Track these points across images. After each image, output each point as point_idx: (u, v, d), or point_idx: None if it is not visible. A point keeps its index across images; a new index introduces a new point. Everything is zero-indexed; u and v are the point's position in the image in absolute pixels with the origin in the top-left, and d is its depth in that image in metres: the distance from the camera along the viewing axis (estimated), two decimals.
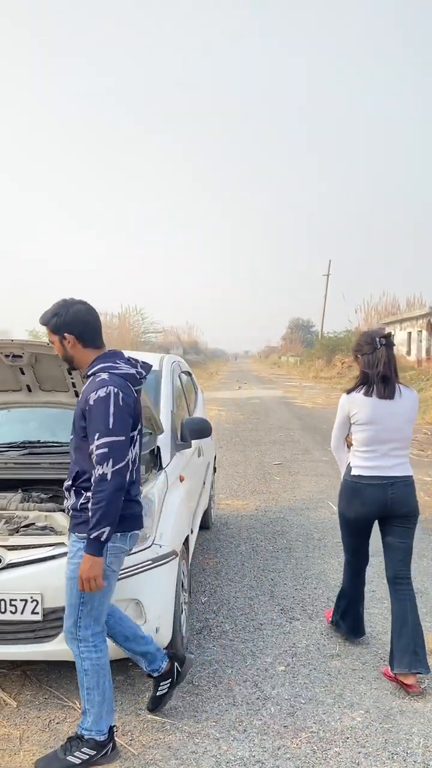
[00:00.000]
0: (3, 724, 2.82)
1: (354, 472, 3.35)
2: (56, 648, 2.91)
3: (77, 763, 2.49)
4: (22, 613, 2.86)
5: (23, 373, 3.40)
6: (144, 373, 2.60)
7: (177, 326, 58.43)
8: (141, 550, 3.04)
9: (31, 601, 2.87)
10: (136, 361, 2.63)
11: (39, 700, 3.01)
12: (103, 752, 2.54)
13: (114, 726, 2.62)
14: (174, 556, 3.17)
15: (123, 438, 2.38)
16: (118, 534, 2.51)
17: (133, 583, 2.97)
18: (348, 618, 3.61)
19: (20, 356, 3.14)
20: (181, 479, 3.76)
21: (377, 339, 3.29)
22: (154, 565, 3.05)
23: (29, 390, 3.53)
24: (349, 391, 3.40)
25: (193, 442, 4.12)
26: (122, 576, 2.94)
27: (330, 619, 3.73)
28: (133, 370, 2.53)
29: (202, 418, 4.15)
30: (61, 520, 3.14)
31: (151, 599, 3.00)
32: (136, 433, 2.54)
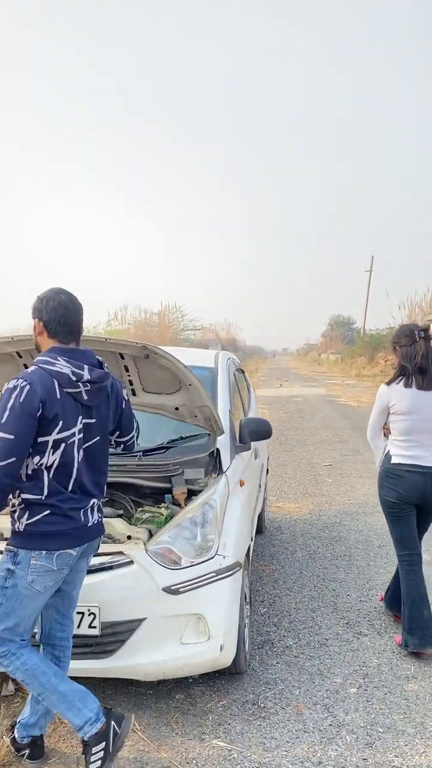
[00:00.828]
0: (59, 744, 2.64)
1: (394, 460, 3.48)
2: (115, 664, 2.74)
3: (100, 765, 2.30)
4: (78, 626, 2.68)
5: None
6: (86, 377, 2.29)
7: (215, 324, 58.18)
8: (203, 562, 2.84)
9: (89, 614, 2.69)
10: (83, 365, 2.31)
11: None
12: (113, 735, 2.33)
13: (109, 708, 2.41)
14: (238, 567, 2.95)
15: (11, 437, 2.13)
16: (44, 552, 2.26)
17: (195, 597, 2.77)
18: (415, 628, 3.36)
19: None
20: (242, 484, 3.53)
21: (416, 332, 3.42)
22: (218, 577, 2.83)
23: None
24: (388, 383, 3.53)
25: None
26: (184, 589, 2.74)
27: (399, 641, 3.47)
28: (66, 370, 2.26)
29: (262, 419, 3.91)
30: (120, 527, 2.94)
31: (215, 614, 2.79)
32: (56, 436, 2.23)
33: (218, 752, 2.59)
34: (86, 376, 2.30)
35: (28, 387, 2.19)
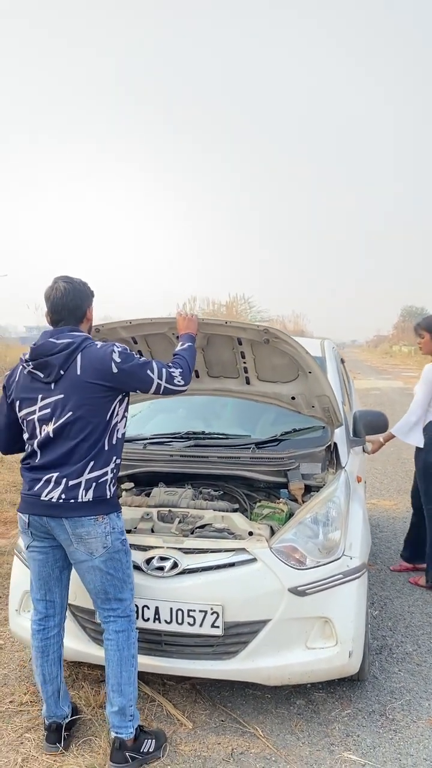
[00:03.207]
0: (181, 749, 2.53)
1: None
2: (237, 667, 2.61)
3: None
4: (201, 625, 2.57)
5: None
6: (27, 357, 2.39)
7: (283, 315, 57.47)
8: (330, 562, 2.66)
9: (211, 613, 2.56)
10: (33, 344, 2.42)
11: (215, 721, 2.70)
12: None
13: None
14: (364, 569, 2.77)
15: None
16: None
17: (322, 600, 2.61)
18: None
19: None
20: (359, 480, 3.33)
21: None
22: (345, 579, 2.66)
23: (197, 376, 3.21)
24: None
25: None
26: (311, 591, 2.58)
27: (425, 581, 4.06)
28: (26, 354, 2.42)
29: (378, 411, 3.70)
30: (240, 522, 2.81)
31: (343, 618, 2.62)
32: (20, 415, 2.42)
33: (350, 766, 2.42)
34: (27, 354, 2.39)
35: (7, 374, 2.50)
